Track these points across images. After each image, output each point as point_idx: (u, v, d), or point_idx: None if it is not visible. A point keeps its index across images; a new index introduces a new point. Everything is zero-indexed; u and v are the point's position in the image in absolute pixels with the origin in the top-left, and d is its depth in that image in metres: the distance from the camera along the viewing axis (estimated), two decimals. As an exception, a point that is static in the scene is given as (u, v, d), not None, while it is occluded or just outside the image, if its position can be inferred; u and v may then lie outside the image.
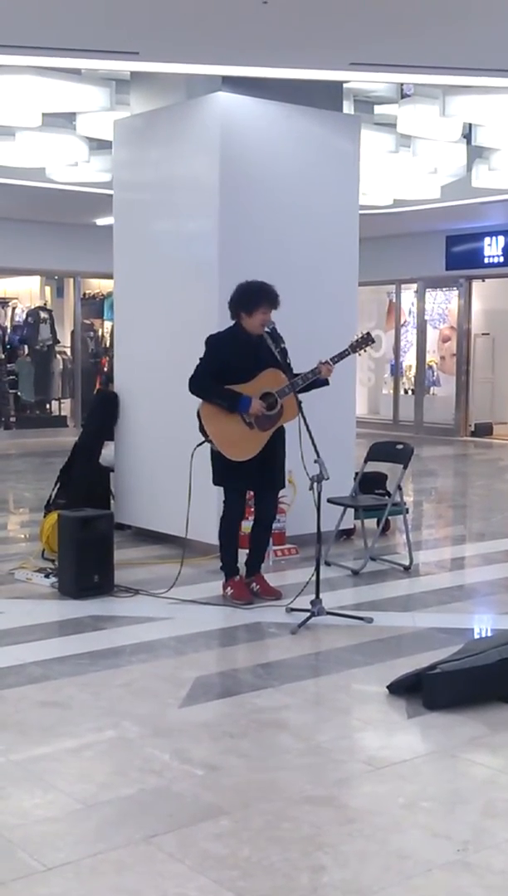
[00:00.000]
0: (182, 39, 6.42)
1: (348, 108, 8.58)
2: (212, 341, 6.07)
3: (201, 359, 6.02)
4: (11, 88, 7.64)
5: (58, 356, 16.55)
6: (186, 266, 7.54)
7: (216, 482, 6.12)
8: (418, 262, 16.57)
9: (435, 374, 17.48)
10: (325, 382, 6.02)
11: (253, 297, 5.92)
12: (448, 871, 3.05)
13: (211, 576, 6.59)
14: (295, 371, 5.91)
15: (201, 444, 5.99)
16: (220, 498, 6.24)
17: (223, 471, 6.01)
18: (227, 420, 5.87)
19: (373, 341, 6.18)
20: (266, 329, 5.88)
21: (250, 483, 6.13)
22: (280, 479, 6.20)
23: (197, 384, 5.94)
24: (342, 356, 5.99)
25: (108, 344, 16.57)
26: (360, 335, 6.20)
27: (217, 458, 5.98)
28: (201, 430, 5.93)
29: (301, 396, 5.83)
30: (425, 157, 10.10)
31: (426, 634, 5.57)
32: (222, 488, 6.18)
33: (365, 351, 6.25)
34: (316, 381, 5.94)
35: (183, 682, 4.70)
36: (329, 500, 6.62)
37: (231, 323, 6.07)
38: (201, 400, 5.95)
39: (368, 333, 6.18)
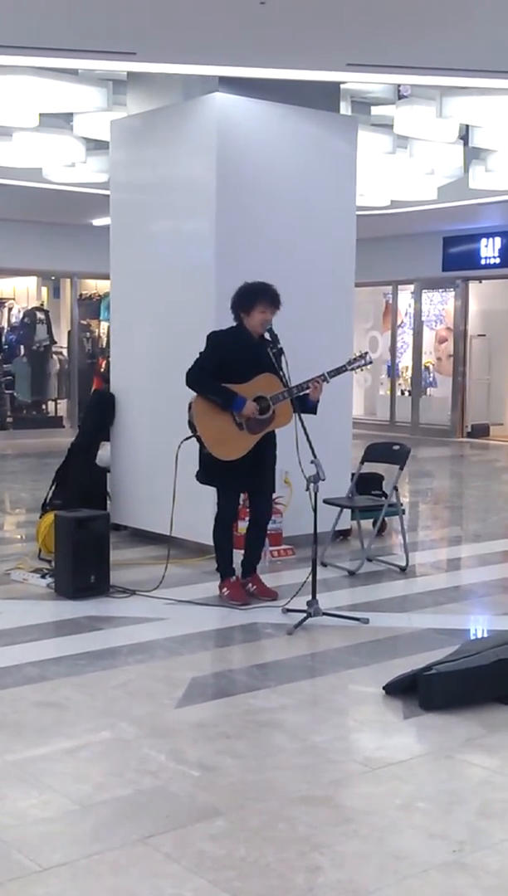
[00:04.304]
0: (179, 40, 6.41)
1: (345, 108, 8.58)
2: (214, 337, 6.08)
3: (200, 353, 6.03)
4: (8, 88, 7.64)
5: (54, 357, 16.55)
6: (182, 267, 7.54)
7: (203, 480, 6.12)
8: (415, 263, 16.59)
9: (432, 375, 17.49)
10: (313, 409, 5.95)
11: (250, 296, 5.93)
12: (444, 872, 3.05)
13: (207, 576, 6.59)
14: (290, 371, 5.90)
15: (187, 439, 6.00)
16: (215, 499, 6.24)
17: (213, 470, 6.01)
18: (218, 418, 5.87)
19: (370, 362, 6.25)
20: (266, 332, 5.90)
21: (241, 484, 6.14)
22: (271, 481, 6.19)
23: (194, 377, 5.94)
24: (339, 371, 5.99)
25: (104, 344, 16.57)
26: (359, 353, 6.23)
27: (206, 457, 5.99)
28: (190, 424, 5.93)
29: None
30: (422, 158, 10.10)
31: (423, 635, 5.57)
32: (215, 489, 6.18)
33: (362, 370, 6.31)
34: (305, 404, 5.90)
35: (179, 683, 4.70)
36: (326, 501, 6.62)
37: (232, 323, 6.08)
38: (194, 394, 5.95)
39: (366, 353, 6.22)
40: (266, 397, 5.88)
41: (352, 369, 6.13)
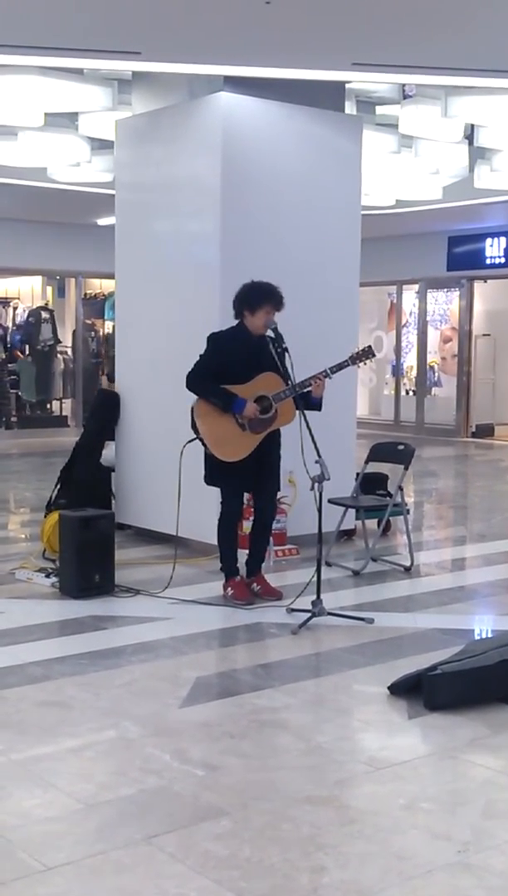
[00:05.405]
0: (184, 39, 6.42)
1: (350, 108, 8.58)
2: (214, 338, 6.08)
3: (201, 355, 6.03)
4: (14, 88, 7.65)
5: (59, 356, 16.55)
6: (187, 266, 7.54)
7: (209, 482, 6.12)
8: (419, 262, 16.58)
9: (436, 374, 17.48)
10: (318, 405, 5.94)
11: (259, 296, 5.92)
12: (449, 873, 3.05)
13: (211, 576, 6.59)
14: (295, 371, 5.89)
15: (190, 441, 6.00)
16: (219, 498, 6.24)
17: (217, 471, 6.01)
18: (220, 419, 5.87)
19: (374, 355, 6.19)
20: (269, 331, 5.90)
21: (246, 484, 6.13)
22: (276, 481, 6.19)
23: (194, 380, 5.94)
24: (341, 367, 5.95)
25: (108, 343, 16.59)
26: (361, 348, 6.20)
27: (210, 458, 5.99)
28: (193, 426, 5.93)
29: None
30: (427, 157, 10.11)
31: (427, 635, 5.56)
32: (219, 489, 6.18)
33: (365, 363, 6.25)
34: (309, 400, 5.89)
35: (183, 683, 4.70)
36: (330, 501, 6.62)
37: (233, 323, 6.08)
38: (196, 397, 5.95)
39: (369, 347, 6.17)
40: (268, 396, 5.88)
41: (354, 364, 6.11)
